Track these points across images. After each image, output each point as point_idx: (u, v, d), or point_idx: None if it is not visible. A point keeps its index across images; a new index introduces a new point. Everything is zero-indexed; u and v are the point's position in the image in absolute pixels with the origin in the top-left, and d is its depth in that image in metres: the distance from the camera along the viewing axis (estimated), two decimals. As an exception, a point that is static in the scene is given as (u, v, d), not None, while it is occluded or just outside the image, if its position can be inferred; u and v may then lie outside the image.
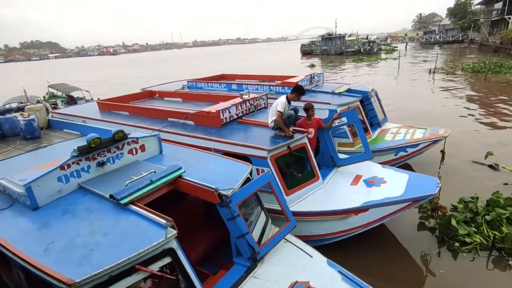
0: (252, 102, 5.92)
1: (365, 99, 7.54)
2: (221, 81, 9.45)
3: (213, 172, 3.59)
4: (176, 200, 4.14)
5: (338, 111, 6.22)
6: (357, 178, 5.03)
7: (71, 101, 14.85)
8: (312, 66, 34.24)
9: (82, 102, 14.21)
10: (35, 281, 2.30)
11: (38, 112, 5.69)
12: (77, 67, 69.18)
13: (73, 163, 3.22)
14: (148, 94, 8.39)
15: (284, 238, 3.69)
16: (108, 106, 7.07)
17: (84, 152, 3.27)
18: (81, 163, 3.30)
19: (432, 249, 4.64)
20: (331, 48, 50.27)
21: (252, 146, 4.45)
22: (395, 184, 4.66)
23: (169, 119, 5.86)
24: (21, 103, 10.99)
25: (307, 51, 54.90)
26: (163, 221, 2.62)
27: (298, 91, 4.87)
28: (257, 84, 8.16)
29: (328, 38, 52.14)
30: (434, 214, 4.95)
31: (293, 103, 4.95)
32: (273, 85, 7.81)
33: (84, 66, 73.90)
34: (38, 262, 2.26)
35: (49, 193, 3.04)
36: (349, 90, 7.76)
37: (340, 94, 7.43)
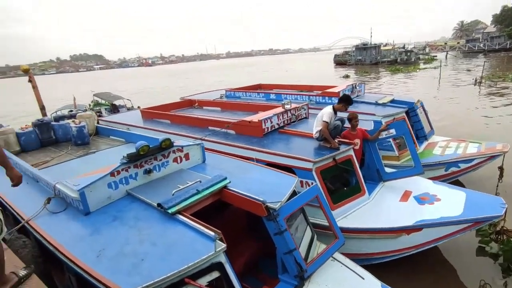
0: (294, 112, 5.78)
1: (411, 110, 7.13)
2: (258, 91, 9.42)
3: (258, 183, 3.47)
4: (218, 209, 4.06)
5: (384, 122, 5.91)
6: (406, 194, 4.68)
7: (114, 109, 15.56)
8: (347, 76, 33.55)
9: (124, 110, 14.84)
10: (87, 286, 2.29)
11: (88, 119, 5.94)
12: (119, 78, 73.25)
13: (122, 169, 3.25)
14: (188, 103, 8.54)
15: (332, 256, 3.46)
16: (150, 114, 7.25)
17: (133, 159, 3.29)
18: (130, 170, 3.32)
19: (496, 278, 4.16)
20: (366, 58, 49.10)
21: (296, 157, 4.29)
22: (451, 202, 4.27)
23: (210, 127, 5.86)
24: (71, 110, 11.67)
25: (340, 61, 54.02)
26: (212, 233, 2.52)
27: (345, 101, 4.66)
28: (296, 94, 8.01)
29: (363, 48, 51.02)
30: (498, 239, 4.45)
31: (338, 114, 4.75)
32: (312, 95, 7.63)
33: (125, 76, 78.10)
34: (92, 269, 2.24)
35: (100, 199, 3.07)
36: (393, 101, 7.38)
37: (384, 104, 7.08)
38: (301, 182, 4.27)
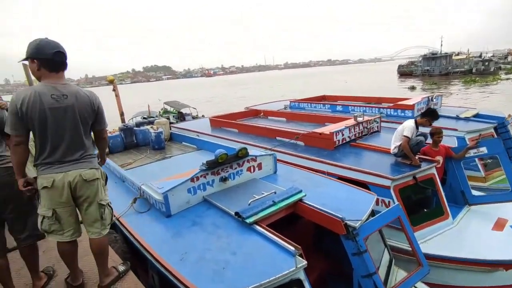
0: (366, 125, 5.48)
1: (500, 126, 6.30)
2: (323, 102, 9.20)
3: (334, 198, 3.30)
4: (286, 221, 3.97)
5: (468, 139, 5.30)
6: (500, 223, 4.07)
7: (181, 116, 16.54)
8: (412, 88, 31.36)
9: (189, 118, 15.69)
10: (169, 287, 2.34)
11: (164, 125, 6.32)
12: (182, 87, 78.24)
13: (201, 176, 3.34)
14: (254, 113, 8.67)
15: (414, 286, 3.13)
16: (218, 122, 7.49)
17: (211, 167, 3.36)
18: (207, 176, 3.40)
19: None
20: (435, 69, 45.44)
21: (372, 173, 4.02)
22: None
23: (278, 138, 5.84)
24: (144, 117, 12.66)
25: (405, 72, 50.83)
26: (292, 248, 2.43)
27: (431, 115, 4.27)
28: (365, 106, 7.63)
29: (432, 57, 47.37)
30: None
31: (420, 129, 4.36)
32: (383, 107, 7.19)
33: (189, 86, 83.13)
34: (176, 271, 2.29)
35: (180, 202, 3.19)
36: (477, 115, 6.60)
37: (467, 119, 6.37)
38: (377, 200, 3.97)
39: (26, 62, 1.92)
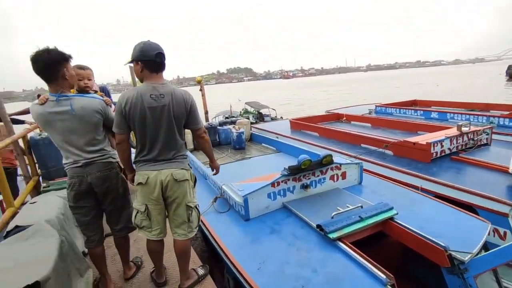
0: (472, 136, 4.63)
1: None
2: (415, 108, 8.22)
3: (434, 221, 2.80)
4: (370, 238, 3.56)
5: None
6: None
7: (260, 117, 16.80)
8: (528, 93, 26.21)
9: (268, 119, 15.83)
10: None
11: (245, 126, 6.41)
12: (263, 88, 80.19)
13: (282, 181, 3.19)
14: (335, 117, 8.23)
15: None
16: (298, 125, 7.30)
17: (293, 172, 3.19)
18: (288, 182, 3.24)
19: None
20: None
21: (484, 196, 3.33)
22: None
23: (363, 145, 5.37)
24: (226, 117, 13.19)
25: (518, 75, 42.87)
26: (383, 276, 2.09)
27: None
28: (468, 114, 6.53)
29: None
30: None
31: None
32: (494, 116, 6.03)
33: (269, 87, 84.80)
34: (253, 281, 2.18)
35: (259, 207, 3.09)
36: None
37: None
38: (488, 228, 3.27)
39: (131, 65, 2.04)
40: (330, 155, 3.33)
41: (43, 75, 1.80)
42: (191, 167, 2.11)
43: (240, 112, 18.50)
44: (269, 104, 18.85)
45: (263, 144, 6.26)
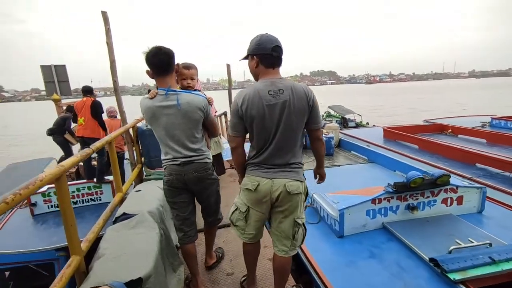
0: None
1: None
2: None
3: None
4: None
5: None
6: None
7: (344, 122, 15.93)
8: None
9: (352, 124, 14.88)
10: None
11: (334, 131, 5.99)
12: (346, 92, 76.75)
13: (384, 198, 2.76)
14: (437, 128, 7.15)
15: None
16: (393, 134, 6.53)
17: (400, 190, 2.73)
18: (391, 201, 2.78)
19: None
20: None
21: None
22: None
23: (478, 165, 4.45)
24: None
25: None
26: None
27: None
28: None
29: None
30: None
31: None
32: None
33: (352, 92, 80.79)
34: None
35: (355, 224, 2.72)
36: None
37: None
38: None
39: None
40: (448, 175, 2.76)
41: (158, 69, 1.85)
42: (305, 178, 1.82)
43: (323, 115, 17.87)
44: (353, 109, 17.76)
45: (352, 152, 5.76)
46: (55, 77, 10.50)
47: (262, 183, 1.70)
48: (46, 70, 10.30)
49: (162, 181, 2.07)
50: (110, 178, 3.95)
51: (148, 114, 1.90)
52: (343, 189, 3.84)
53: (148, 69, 1.87)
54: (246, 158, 1.83)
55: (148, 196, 2.15)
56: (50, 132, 6.31)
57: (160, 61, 1.83)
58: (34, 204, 3.75)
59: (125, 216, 1.83)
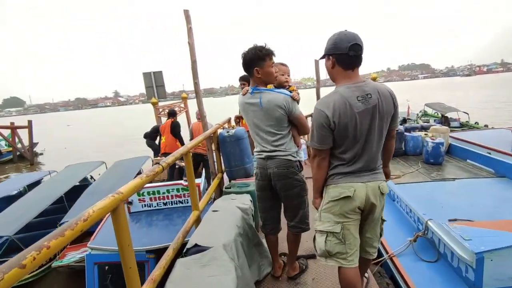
0: None
1: None
2: None
3: None
4: None
5: None
6: None
7: (445, 121, 13.57)
8: None
9: (455, 125, 12.54)
10: None
11: (443, 135, 4.86)
12: (442, 87, 66.92)
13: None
14: None
15: None
16: (528, 139, 4.98)
17: None
18: None
19: None
20: None
21: None
22: None
23: None
24: (404, 119, 11.21)
25: None
26: None
27: None
28: None
29: None
30: None
31: None
32: None
33: (451, 86, 70.04)
34: None
35: (501, 275, 1.90)
36: None
37: None
38: None
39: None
40: None
41: (245, 71, 1.98)
42: None
43: (418, 114, 15.63)
44: (457, 107, 15.03)
45: (468, 161, 4.56)
46: (153, 83, 11.53)
47: (358, 188, 1.58)
48: (146, 76, 11.37)
49: (243, 195, 2.13)
50: (199, 180, 3.96)
51: (241, 109, 2.08)
52: (464, 212, 2.95)
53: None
54: (330, 169, 1.65)
55: (226, 221, 1.80)
56: (145, 136, 6.87)
57: (243, 63, 1.94)
58: (131, 203, 3.93)
59: (198, 249, 1.50)
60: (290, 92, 1.98)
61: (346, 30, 1.55)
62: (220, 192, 2.86)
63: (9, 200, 6.56)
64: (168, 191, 3.92)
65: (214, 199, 2.92)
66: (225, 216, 1.84)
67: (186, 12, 2.60)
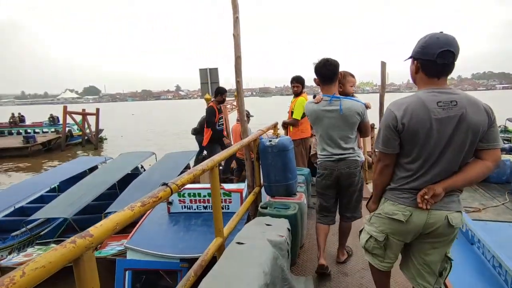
0: None
1: None
2: None
3: None
4: None
5: None
6: None
7: (531, 141, 11.48)
8: None
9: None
10: None
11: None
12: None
13: None
14: None
15: None
16: None
17: None
18: None
19: None
20: None
21: None
22: None
23: None
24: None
25: None
26: None
27: None
28: None
29: None
30: None
31: None
32: None
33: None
34: None
35: None
36: None
37: None
38: None
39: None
40: None
41: (325, 78, 2.10)
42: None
43: (500, 126, 13.50)
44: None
45: None
46: (209, 79, 11.65)
47: (416, 214, 1.43)
48: (202, 72, 11.51)
49: (280, 221, 2.01)
50: (241, 185, 3.85)
51: (312, 116, 2.19)
52: None
53: (316, 77, 2.15)
54: (394, 179, 1.52)
55: (250, 266, 1.37)
56: (194, 132, 6.72)
57: (328, 71, 2.07)
58: (171, 203, 3.82)
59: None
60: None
61: (441, 32, 1.36)
62: (255, 210, 2.48)
63: (70, 180, 7.10)
64: (209, 194, 3.74)
65: (248, 217, 2.55)
66: (250, 257, 1.43)
67: (233, 1, 2.25)
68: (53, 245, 5.20)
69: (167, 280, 3.25)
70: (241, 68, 2.39)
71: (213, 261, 1.54)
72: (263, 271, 1.33)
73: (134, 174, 7.64)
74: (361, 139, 2.55)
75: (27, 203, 6.29)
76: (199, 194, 3.76)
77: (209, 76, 11.66)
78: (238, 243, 1.54)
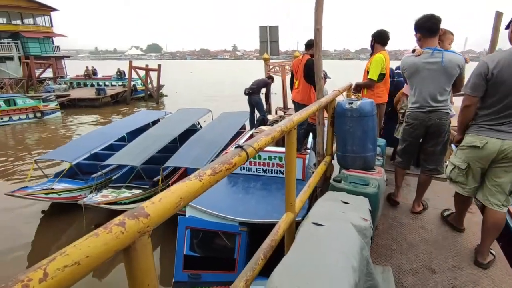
0: None
1: None
2: None
3: None
4: None
5: None
6: None
7: None
8: None
9: None
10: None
11: None
12: None
13: None
14: None
15: None
16: None
17: None
18: None
19: None
20: None
21: None
22: None
23: None
24: None
25: None
26: None
27: None
28: None
29: None
30: None
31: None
32: None
33: None
34: None
35: None
36: None
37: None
38: None
39: None
40: None
41: (429, 32, 2.16)
42: None
43: None
44: None
45: None
46: (268, 37, 10.97)
47: (491, 142, 1.74)
48: (262, 30, 10.84)
49: (360, 199, 1.67)
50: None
51: (410, 69, 2.23)
52: None
53: (417, 33, 2.21)
54: (475, 118, 1.85)
55: (336, 258, 1.06)
56: (249, 92, 6.40)
57: (434, 25, 2.14)
58: None
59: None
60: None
61: None
62: (324, 181, 2.16)
63: (135, 131, 7.54)
64: (270, 157, 3.65)
65: (317, 190, 2.26)
66: (333, 245, 1.14)
67: None
68: (124, 189, 5.66)
69: (224, 240, 3.24)
70: (321, 41, 1.97)
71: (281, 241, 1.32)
72: (352, 266, 1.04)
73: (192, 130, 7.80)
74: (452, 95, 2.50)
75: (100, 150, 6.86)
76: (259, 157, 3.59)
77: (268, 34, 10.96)
78: (315, 223, 1.26)
